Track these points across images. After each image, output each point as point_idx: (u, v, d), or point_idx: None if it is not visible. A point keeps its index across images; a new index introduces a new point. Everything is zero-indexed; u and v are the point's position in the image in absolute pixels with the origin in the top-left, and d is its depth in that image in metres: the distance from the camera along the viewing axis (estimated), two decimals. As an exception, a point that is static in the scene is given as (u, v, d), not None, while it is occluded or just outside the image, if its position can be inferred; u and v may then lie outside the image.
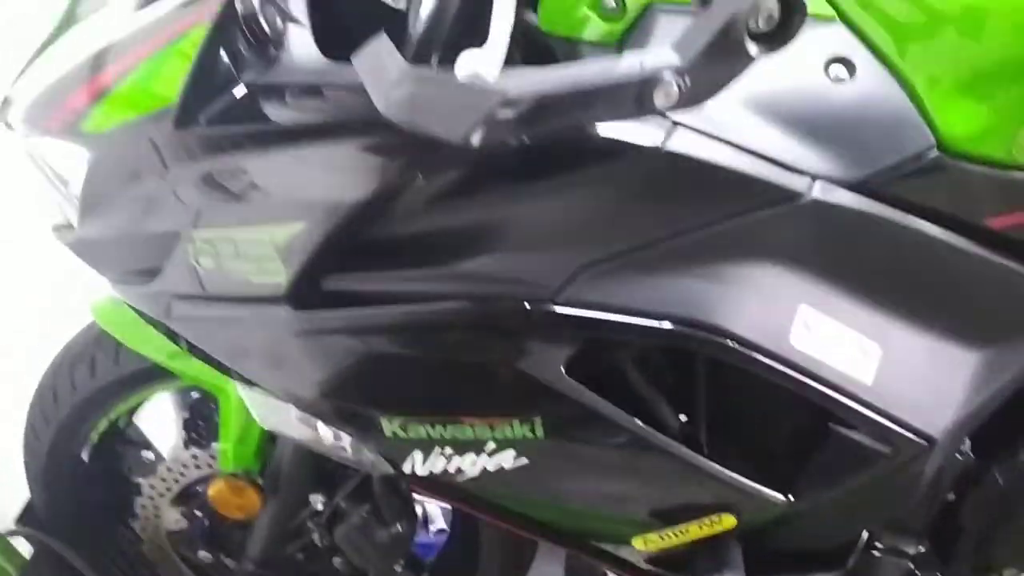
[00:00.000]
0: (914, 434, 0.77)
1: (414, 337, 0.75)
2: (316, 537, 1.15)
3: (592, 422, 0.76)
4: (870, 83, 0.70)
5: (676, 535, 0.86)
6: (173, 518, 1.23)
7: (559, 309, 0.71)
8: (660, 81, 0.48)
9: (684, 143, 0.67)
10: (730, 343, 0.72)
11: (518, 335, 0.73)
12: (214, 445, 1.15)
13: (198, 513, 1.20)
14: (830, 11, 0.72)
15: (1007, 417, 0.82)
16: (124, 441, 1.25)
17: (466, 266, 0.71)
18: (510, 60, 0.79)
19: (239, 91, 0.68)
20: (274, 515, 1.11)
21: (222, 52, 0.67)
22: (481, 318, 0.72)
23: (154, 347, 1.05)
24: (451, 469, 0.82)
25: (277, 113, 0.68)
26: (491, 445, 0.79)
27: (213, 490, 1.09)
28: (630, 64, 0.49)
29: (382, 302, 0.73)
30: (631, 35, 0.76)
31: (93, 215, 0.80)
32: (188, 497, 1.22)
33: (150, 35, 0.69)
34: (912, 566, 0.95)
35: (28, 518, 1.34)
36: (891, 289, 0.75)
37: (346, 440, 0.86)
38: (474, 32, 0.75)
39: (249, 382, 0.84)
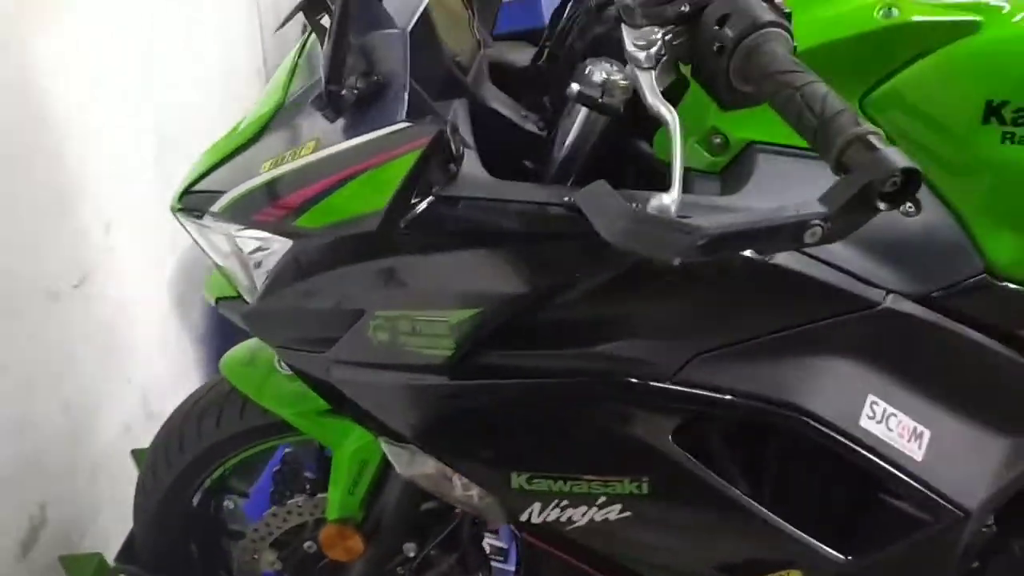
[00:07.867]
0: (953, 506, 0.93)
1: (550, 406, 0.91)
2: None
3: (690, 483, 0.92)
4: (932, 215, 0.87)
5: (749, 589, 1.01)
6: (269, 560, 1.36)
7: (674, 388, 0.88)
8: (811, 225, 0.64)
9: (787, 258, 0.84)
10: (811, 422, 0.89)
11: (639, 408, 0.90)
12: (319, 495, 1.30)
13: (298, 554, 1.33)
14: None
15: None
16: (230, 489, 1.39)
17: (601, 348, 0.88)
18: (624, 181, 0.98)
19: (427, 202, 0.85)
20: (372, 559, 1.24)
21: (425, 171, 0.84)
22: (610, 392, 0.88)
23: (283, 404, 1.20)
24: (563, 519, 0.97)
25: (456, 220, 0.85)
26: (602, 499, 0.94)
27: (324, 534, 1.22)
28: (790, 211, 0.65)
29: (527, 376, 0.89)
30: (732, 167, 0.95)
31: (279, 292, 0.95)
32: (284, 543, 1.35)
33: (364, 156, 0.85)
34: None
35: (127, 555, 1.46)
36: (943, 385, 0.92)
37: (475, 491, 1.01)
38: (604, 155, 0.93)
39: (394, 436, 0.99)
